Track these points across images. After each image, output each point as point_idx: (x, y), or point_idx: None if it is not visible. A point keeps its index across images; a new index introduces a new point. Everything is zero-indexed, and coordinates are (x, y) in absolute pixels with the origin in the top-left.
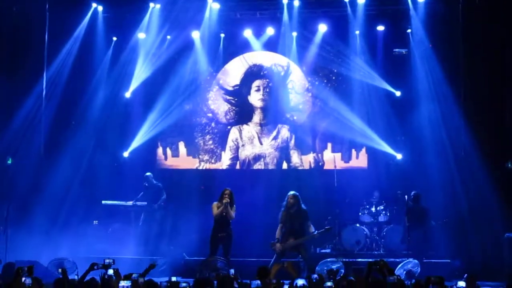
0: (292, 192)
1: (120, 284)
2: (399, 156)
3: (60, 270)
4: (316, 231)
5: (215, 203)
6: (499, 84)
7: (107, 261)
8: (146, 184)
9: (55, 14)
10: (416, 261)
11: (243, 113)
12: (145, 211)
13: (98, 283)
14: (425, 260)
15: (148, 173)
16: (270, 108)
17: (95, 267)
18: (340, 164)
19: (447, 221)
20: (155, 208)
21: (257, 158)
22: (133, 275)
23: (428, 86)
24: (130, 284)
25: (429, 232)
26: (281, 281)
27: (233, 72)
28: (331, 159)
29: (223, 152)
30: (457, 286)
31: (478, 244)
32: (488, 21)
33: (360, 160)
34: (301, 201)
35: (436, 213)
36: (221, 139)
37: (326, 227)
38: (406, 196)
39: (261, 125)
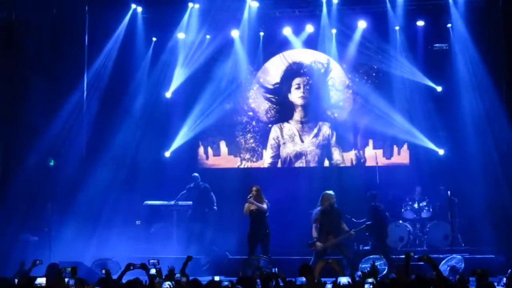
0: (328, 192)
1: (163, 286)
2: (441, 152)
3: (103, 271)
4: (353, 230)
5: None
6: None
7: (151, 261)
8: (192, 185)
9: (95, 16)
10: (459, 256)
11: (283, 111)
12: (190, 210)
13: (142, 283)
14: (468, 256)
15: (195, 174)
16: (310, 105)
17: (131, 268)
18: (382, 161)
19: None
20: (214, 210)
21: (298, 156)
22: (176, 275)
23: (470, 81)
24: (173, 284)
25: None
26: (323, 280)
27: (273, 70)
28: (373, 155)
29: (264, 151)
30: (501, 283)
31: None
32: None
33: (402, 156)
34: (335, 201)
35: (480, 208)
36: (262, 138)
37: (367, 223)
38: (449, 192)
39: (302, 122)
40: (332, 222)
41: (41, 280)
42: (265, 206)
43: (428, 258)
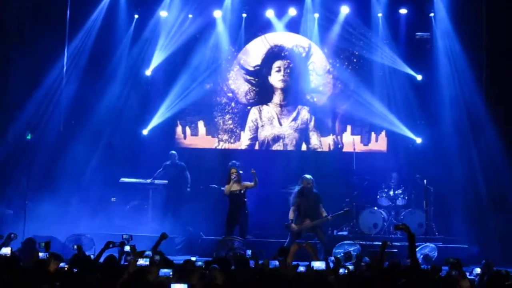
0: (307, 176)
1: (138, 262)
2: (418, 140)
3: (75, 246)
4: (330, 215)
5: (226, 186)
6: None
7: (124, 236)
8: (169, 162)
9: None
10: (433, 245)
11: (263, 93)
12: (166, 190)
13: (117, 260)
14: (442, 245)
15: (173, 151)
16: (290, 89)
17: (111, 246)
18: (359, 147)
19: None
20: (187, 191)
21: (276, 139)
22: (146, 252)
23: (450, 71)
24: (148, 262)
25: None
26: (297, 263)
27: (254, 52)
28: (351, 141)
29: (242, 132)
30: (473, 273)
31: (497, 230)
32: None
33: (379, 144)
34: (314, 185)
35: (455, 198)
36: (241, 119)
37: (345, 209)
38: (425, 181)
39: (281, 106)
40: (309, 205)
41: (6, 251)
42: (249, 184)
43: (405, 226)
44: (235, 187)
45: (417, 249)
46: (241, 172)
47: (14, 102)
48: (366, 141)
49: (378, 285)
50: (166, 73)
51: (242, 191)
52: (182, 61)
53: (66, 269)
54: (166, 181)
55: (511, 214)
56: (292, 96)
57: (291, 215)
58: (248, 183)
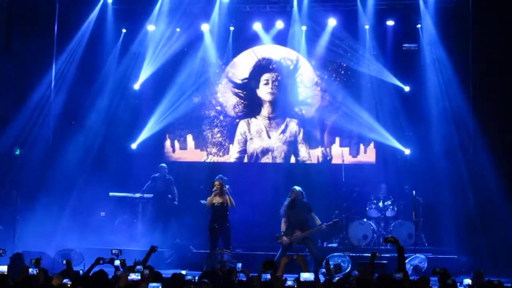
0: (297, 188)
1: (129, 277)
2: (407, 151)
3: (64, 261)
4: (324, 224)
5: (208, 198)
6: (510, 79)
7: (114, 251)
8: (157, 175)
9: (65, 5)
10: (423, 256)
11: (251, 106)
12: (153, 203)
13: (107, 275)
14: (431, 256)
15: (163, 164)
16: (278, 101)
17: (101, 262)
18: (348, 159)
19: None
20: (174, 203)
21: (265, 151)
22: (137, 267)
23: (437, 81)
24: (139, 276)
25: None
26: (285, 277)
27: (242, 65)
28: (339, 153)
29: (231, 145)
30: (463, 284)
31: (486, 240)
32: (499, 14)
33: (368, 155)
34: (304, 196)
35: (444, 208)
36: (229, 132)
37: (334, 220)
38: (414, 192)
39: (269, 118)
40: (299, 216)
41: (2, 268)
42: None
43: (394, 239)
44: (216, 199)
45: (407, 260)
46: (227, 186)
47: (1, 115)
48: (354, 152)
49: None
50: (154, 86)
51: (224, 204)
52: (170, 75)
53: (69, 285)
54: (152, 195)
55: (500, 224)
56: (281, 109)
57: (283, 227)
58: (230, 198)
